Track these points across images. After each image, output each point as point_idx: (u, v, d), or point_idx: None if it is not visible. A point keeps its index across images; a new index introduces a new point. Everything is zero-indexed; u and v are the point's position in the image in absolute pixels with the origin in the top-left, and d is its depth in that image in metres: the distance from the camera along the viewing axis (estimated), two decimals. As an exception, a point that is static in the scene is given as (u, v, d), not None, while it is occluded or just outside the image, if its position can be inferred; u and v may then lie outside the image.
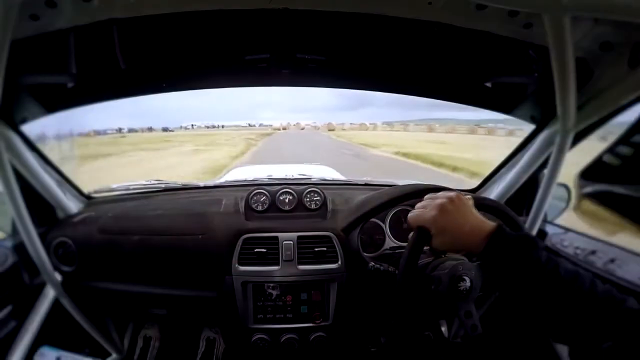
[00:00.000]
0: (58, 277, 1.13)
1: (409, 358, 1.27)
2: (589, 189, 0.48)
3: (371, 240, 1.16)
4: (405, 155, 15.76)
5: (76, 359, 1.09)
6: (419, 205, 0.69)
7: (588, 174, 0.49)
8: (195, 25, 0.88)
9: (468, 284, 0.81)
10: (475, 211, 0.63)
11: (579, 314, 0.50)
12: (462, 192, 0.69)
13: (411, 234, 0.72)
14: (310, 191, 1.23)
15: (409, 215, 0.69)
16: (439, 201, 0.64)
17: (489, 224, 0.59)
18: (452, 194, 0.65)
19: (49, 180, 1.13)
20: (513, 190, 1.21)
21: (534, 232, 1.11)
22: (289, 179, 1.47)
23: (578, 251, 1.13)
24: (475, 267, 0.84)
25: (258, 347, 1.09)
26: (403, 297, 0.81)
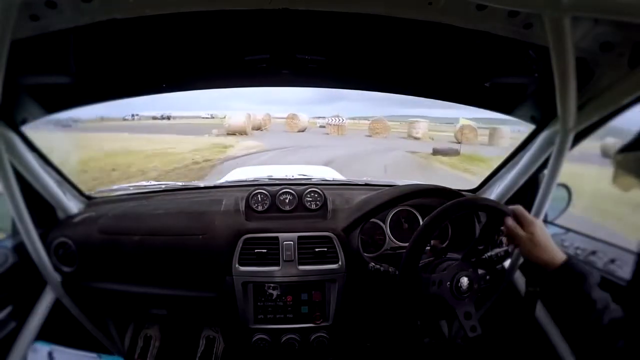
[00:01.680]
0: (58, 277, 1.13)
1: (408, 358, 1.27)
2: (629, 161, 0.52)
3: (371, 241, 1.16)
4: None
5: (68, 352, 1.09)
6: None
7: (629, 147, 0.52)
8: (195, 25, 0.88)
9: (467, 283, 0.82)
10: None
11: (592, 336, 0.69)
12: (464, 193, 0.71)
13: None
14: (310, 191, 1.23)
15: (518, 206, 0.84)
16: (539, 222, 0.82)
17: (562, 255, 0.75)
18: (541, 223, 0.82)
19: (49, 181, 1.13)
20: (513, 191, 1.21)
21: None
22: (289, 179, 1.47)
23: (578, 251, 1.13)
24: (474, 268, 0.84)
25: (258, 348, 1.09)
26: (403, 297, 0.81)
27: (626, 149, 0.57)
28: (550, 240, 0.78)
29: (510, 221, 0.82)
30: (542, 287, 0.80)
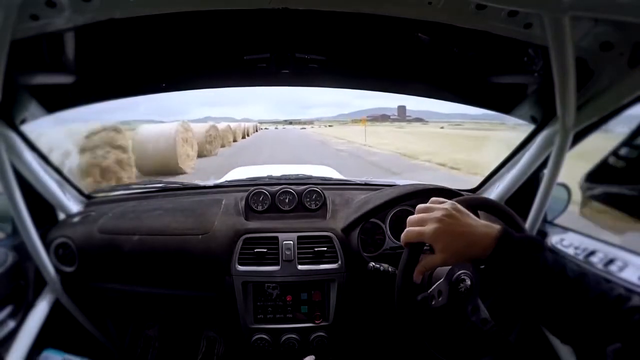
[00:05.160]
0: (58, 277, 1.13)
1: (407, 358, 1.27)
2: (594, 190, 0.49)
3: (371, 240, 1.16)
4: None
5: None
6: (412, 219, 0.63)
7: (593, 176, 0.49)
8: (194, 25, 0.88)
9: (468, 282, 0.81)
10: (474, 217, 0.60)
11: (586, 316, 0.49)
12: (464, 193, 0.69)
13: (403, 253, 0.68)
14: (310, 191, 1.23)
15: (403, 234, 0.64)
16: (437, 214, 0.59)
17: (494, 228, 0.57)
18: (446, 204, 0.61)
19: (49, 180, 1.13)
20: (513, 190, 1.21)
21: (534, 232, 1.11)
22: (289, 179, 1.47)
23: (578, 251, 1.13)
24: (474, 268, 0.84)
25: (258, 347, 1.09)
26: (403, 295, 0.81)
27: (591, 177, 0.52)
28: (472, 218, 0.59)
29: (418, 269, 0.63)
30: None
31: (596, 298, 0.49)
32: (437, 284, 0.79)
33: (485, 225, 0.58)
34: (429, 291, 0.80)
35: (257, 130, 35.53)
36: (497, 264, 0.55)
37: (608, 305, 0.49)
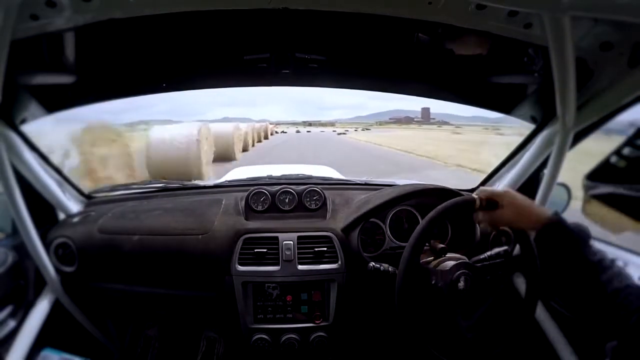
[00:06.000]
0: (58, 277, 1.13)
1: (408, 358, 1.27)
2: (595, 190, 0.50)
3: (371, 240, 1.16)
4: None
5: None
6: (482, 188, 0.80)
7: (594, 175, 0.50)
8: (195, 25, 0.88)
9: (466, 283, 0.82)
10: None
11: (599, 301, 0.60)
12: (464, 192, 0.71)
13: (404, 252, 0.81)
14: (310, 191, 1.23)
15: (478, 190, 0.80)
16: (509, 190, 0.78)
17: (548, 210, 0.72)
18: None
19: (49, 180, 1.13)
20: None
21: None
22: (289, 179, 1.47)
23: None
24: (473, 267, 0.84)
25: (258, 347, 1.09)
26: (403, 295, 0.81)
27: (593, 175, 0.55)
28: (530, 201, 0.75)
29: (480, 215, 0.78)
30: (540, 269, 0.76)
31: (612, 293, 0.59)
32: (438, 273, 0.82)
33: (541, 207, 0.76)
34: (431, 272, 0.85)
35: (267, 137, 21.97)
36: (544, 240, 0.69)
37: (617, 300, 0.58)
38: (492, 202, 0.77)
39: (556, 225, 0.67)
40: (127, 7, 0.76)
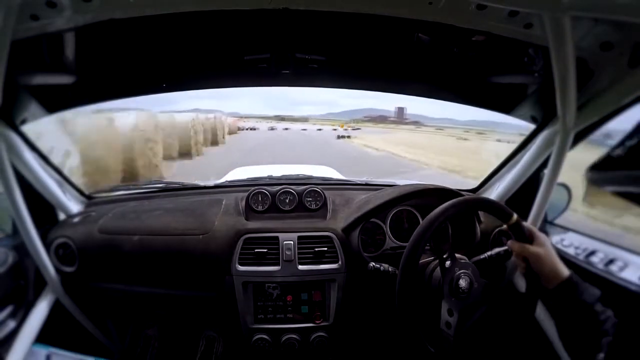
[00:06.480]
0: (58, 277, 1.13)
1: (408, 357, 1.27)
2: (599, 180, 0.51)
3: (371, 240, 1.16)
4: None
5: (67, 356, 1.09)
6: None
7: (598, 167, 0.51)
8: (195, 25, 0.88)
9: (466, 283, 0.82)
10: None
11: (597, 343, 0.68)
12: (464, 192, 0.71)
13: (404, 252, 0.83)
14: (310, 191, 1.23)
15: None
16: (546, 237, 0.81)
17: (565, 271, 0.75)
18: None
19: (49, 180, 1.13)
20: (513, 190, 1.21)
21: None
22: (289, 179, 1.47)
23: (578, 251, 1.13)
24: (473, 268, 0.84)
25: (258, 347, 1.09)
26: (403, 295, 0.81)
27: (597, 166, 0.56)
28: (556, 255, 0.78)
29: (515, 244, 0.81)
30: (545, 300, 0.81)
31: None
32: (439, 273, 0.82)
33: (562, 264, 0.76)
34: (433, 274, 0.87)
35: (217, 141, 14.82)
36: (559, 296, 0.74)
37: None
38: (526, 235, 0.80)
39: (572, 286, 0.73)
40: (127, 7, 0.76)
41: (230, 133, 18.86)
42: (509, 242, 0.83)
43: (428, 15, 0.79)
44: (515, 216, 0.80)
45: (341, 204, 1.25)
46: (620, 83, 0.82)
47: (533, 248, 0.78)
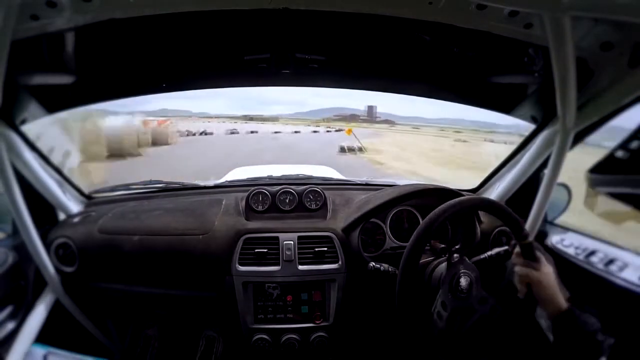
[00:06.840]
0: (58, 277, 1.13)
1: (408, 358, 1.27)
2: (600, 183, 0.50)
3: (372, 240, 1.16)
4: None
5: (67, 356, 1.09)
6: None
7: (598, 169, 0.50)
8: (195, 25, 0.88)
9: (467, 283, 0.82)
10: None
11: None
12: (464, 192, 0.70)
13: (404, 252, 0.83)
14: (310, 191, 1.23)
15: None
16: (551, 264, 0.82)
17: (564, 303, 0.76)
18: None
19: (49, 181, 1.13)
20: (513, 190, 1.21)
21: (534, 232, 1.11)
22: (289, 179, 1.47)
23: (578, 251, 1.13)
24: (477, 274, 0.84)
25: (258, 347, 1.09)
26: (403, 295, 0.81)
27: (597, 169, 0.55)
28: (558, 284, 0.78)
29: (520, 261, 0.81)
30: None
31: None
32: (439, 273, 0.81)
33: (561, 296, 0.77)
34: (433, 274, 0.87)
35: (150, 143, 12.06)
36: (559, 325, 0.76)
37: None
38: (535, 255, 0.80)
39: (571, 316, 0.75)
40: (127, 7, 0.76)
41: (157, 143, 12.98)
42: (517, 268, 0.82)
43: (428, 15, 0.79)
44: (531, 238, 0.81)
45: (341, 204, 1.25)
46: (620, 83, 0.82)
47: (537, 274, 0.78)
